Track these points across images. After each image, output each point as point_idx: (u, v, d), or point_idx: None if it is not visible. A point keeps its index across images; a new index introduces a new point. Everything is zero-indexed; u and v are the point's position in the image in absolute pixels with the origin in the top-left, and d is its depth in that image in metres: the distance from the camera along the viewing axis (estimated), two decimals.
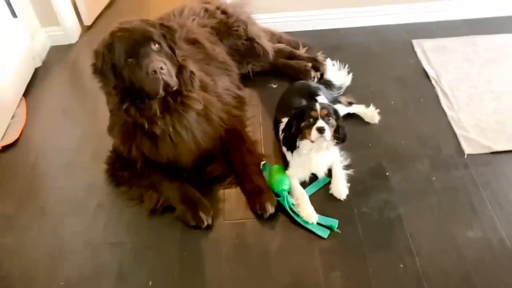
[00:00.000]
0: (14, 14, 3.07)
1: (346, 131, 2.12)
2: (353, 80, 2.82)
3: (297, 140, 2.06)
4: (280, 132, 2.19)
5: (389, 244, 1.93)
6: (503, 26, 3.26)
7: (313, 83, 2.65)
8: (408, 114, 2.59)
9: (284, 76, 2.91)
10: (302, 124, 2.01)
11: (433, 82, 2.79)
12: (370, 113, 2.53)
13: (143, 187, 2.17)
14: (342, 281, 1.82)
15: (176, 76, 1.97)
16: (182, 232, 2.04)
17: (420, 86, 2.79)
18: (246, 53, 2.86)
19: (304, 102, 2.28)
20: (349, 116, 2.53)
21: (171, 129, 2.04)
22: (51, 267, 1.97)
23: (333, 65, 2.86)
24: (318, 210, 2.04)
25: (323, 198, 2.13)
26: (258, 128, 2.56)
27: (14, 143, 2.63)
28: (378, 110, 2.54)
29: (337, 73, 2.82)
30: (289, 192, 2.11)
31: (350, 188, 2.14)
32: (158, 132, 2.02)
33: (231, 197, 2.19)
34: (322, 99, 2.35)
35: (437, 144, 2.38)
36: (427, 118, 2.55)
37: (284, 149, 2.20)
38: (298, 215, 2.03)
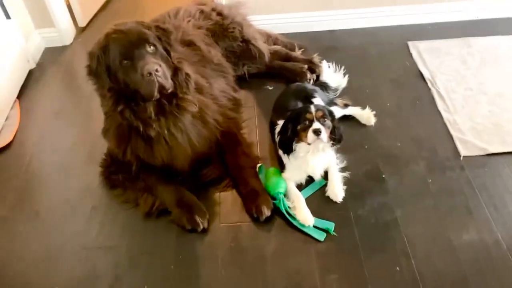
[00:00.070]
0: (7, 16, 3.04)
1: (342, 131, 2.12)
2: (349, 82, 2.82)
3: (294, 143, 2.05)
4: (276, 135, 2.18)
5: (385, 247, 1.93)
6: (497, 28, 3.28)
7: (309, 85, 2.65)
8: (404, 116, 2.59)
9: (280, 78, 2.91)
10: (298, 127, 2.01)
11: (428, 84, 2.80)
12: (366, 115, 2.53)
13: (138, 190, 2.16)
14: (338, 284, 1.81)
15: (172, 79, 1.95)
16: (178, 236, 2.03)
17: (416, 88, 2.80)
18: (242, 55, 2.85)
19: (300, 104, 2.28)
20: (345, 118, 2.52)
21: (166, 132, 2.02)
22: (45, 271, 1.95)
23: (329, 67, 2.86)
24: (315, 213, 2.04)
25: (319, 201, 2.13)
26: (254, 130, 2.55)
27: (8, 145, 2.61)
28: (374, 112, 2.54)
29: (333, 75, 2.82)
30: (285, 195, 2.11)
31: (346, 191, 2.14)
32: (153, 135, 2.01)
33: (227, 200, 2.18)
34: (318, 101, 2.34)
35: (433, 146, 2.38)
36: (423, 120, 2.55)
37: (280, 151, 2.19)
38: (294, 218, 2.02)
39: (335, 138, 2.08)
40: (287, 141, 2.07)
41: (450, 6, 3.34)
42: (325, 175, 2.20)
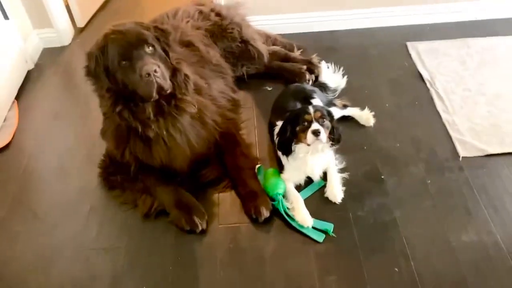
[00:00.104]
0: (6, 16, 3.03)
1: (341, 131, 2.12)
2: (348, 82, 2.82)
3: (293, 144, 2.05)
4: (275, 136, 2.18)
5: (384, 248, 1.93)
6: (495, 28, 3.28)
7: (308, 85, 2.65)
8: (403, 117, 2.59)
9: (279, 79, 2.91)
10: (297, 128, 2.01)
11: (427, 84, 2.80)
12: (365, 116, 2.53)
13: (137, 191, 2.15)
14: (337, 285, 1.81)
15: (170, 79, 1.95)
16: (176, 237, 2.02)
17: (415, 89, 2.79)
18: (241, 56, 2.85)
19: (299, 105, 2.27)
20: (344, 119, 2.52)
21: (165, 133, 2.02)
22: (43, 272, 1.94)
23: (328, 67, 2.86)
24: (313, 214, 2.03)
25: (318, 202, 2.13)
26: (253, 131, 2.55)
27: (6, 146, 2.60)
28: (373, 113, 2.54)
29: (332, 75, 2.82)
30: (284, 196, 2.10)
31: (345, 192, 2.14)
32: (152, 136, 2.01)
33: (226, 201, 2.17)
34: (317, 101, 2.34)
35: (432, 147, 2.38)
36: (421, 121, 2.55)
37: (279, 152, 2.19)
38: (293, 219, 2.02)
39: (334, 138, 2.08)
40: (286, 143, 2.07)
41: (449, 6, 3.34)
42: (324, 176, 2.20)
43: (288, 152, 2.09)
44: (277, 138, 2.14)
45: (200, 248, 1.98)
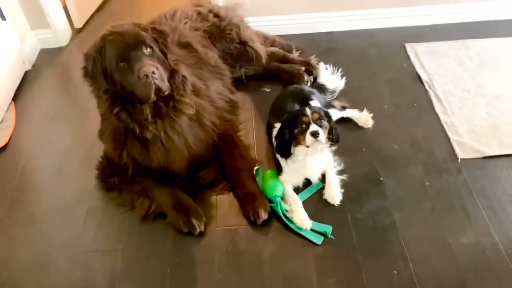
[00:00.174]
0: (3, 17, 3.02)
1: (339, 131, 2.12)
2: (346, 84, 2.81)
3: (292, 146, 2.04)
4: (273, 138, 2.17)
5: (383, 250, 1.92)
6: (494, 30, 3.28)
7: (307, 87, 2.64)
8: (401, 119, 2.58)
9: (277, 80, 2.90)
10: (295, 131, 2.00)
11: (426, 86, 2.79)
12: (364, 118, 2.52)
13: (135, 193, 2.14)
14: (336, 287, 1.80)
15: (168, 81, 1.94)
16: (174, 239, 2.01)
17: (414, 90, 2.79)
18: (239, 57, 2.84)
19: (297, 107, 2.27)
20: (343, 120, 2.52)
21: (162, 134, 2.01)
22: (40, 275, 1.93)
23: (327, 69, 2.85)
24: (312, 216, 2.03)
25: (316, 204, 2.12)
26: (251, 132, 2.54)
27: (3, 147, 2.59)
28: (371, 115, 2.53)
29: (330, 77, 2.82)
30: (282, 198, 2.10)
31: (344, 194, 2.13)
32: (150, 137, 2.00)
33: (224, 203, 2.17)
34: (315, 103, 2.33)
35: (430, 149, 2.37)
36: (420, 123, 2.55)
37: (277, 155, 2.18)
38: (291, 221, 2.01)
39: (333, 138, 2.07)
40: (285, 146, 2.06)
41: (448, 8, 3.34)
42: (323, 178, 2.19)
43: (287, 155, 2.08)
44: (275, 141, 2.13)
45: (198, 250, 1.97)
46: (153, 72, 1.81)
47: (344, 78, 2.83)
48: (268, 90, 2.87)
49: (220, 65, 2.71)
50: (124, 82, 1.87)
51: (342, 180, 2.19)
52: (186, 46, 2.53)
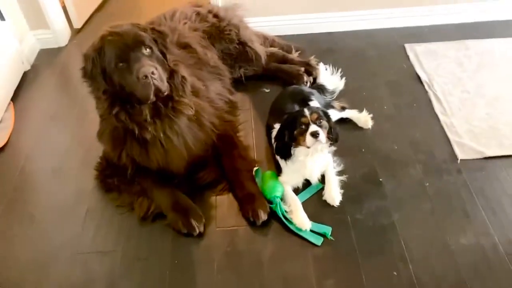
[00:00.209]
0: (2, 17, 3.02)
1: (338, 130, 2.12)
2: (346, 84, 2.81)
3: (292, 148, 2.04)
4: (273, 139, 2.17)
5: (383, 251, 1.92)
6: (494, 31, 3.28)
7: (306, 87, 2.64)
8: (401, 119, 2.58)
9: (277, 81, 2.90)
10: (295, 132, 2.00)
11: (425, 86, 2.79)
12: (363, 118, 2.52)
13: (134, 193, 2.14)
14: None
15: (168, 81, 1.94)
16: (174, 240, 2.01)
17: (413, 91, 2.79)
18: (238, 57, 2.84)
19: (297, 107, 2.27)
20: (342, 121, 2.51)
21: (162, 135, 2.01)
22: (39, 276, 1.93)
23: (326, 69, 2.85)
24: (311, 217, 2.02)
25: (316, 205, 2.12)
26: (251, 133, 2.54)
27: (2, 148, 2.58)
28: (371, 115, 2.53)
29: (330, 77, 2.82)
30: (282, 199, 2.09)
31: (343, 194, 2.13)
32: (149, 138, 2.00)
33: (223, 203, 2.16)
34: (315, 104, 2.33)
35: (430, 150, 2.37)
36: (420, 123, 2.54)
37: (277, 156, 2.18)
38: (291, 222, 2.01)
39: (332, 137, 2.07)
40: (285, 147, 2.06)
41: (448, 8, 3.34)
42: (322, 179, 2.19)
43: (287, 156, 2.07)
44: (275, 143, 2.13)
45: (197, 251, 1.97)
46: (152, 73, 1.81)
47: (343, 78, 2.83)
48: (267, 90, 2.87)
49: (220, 65, 2.71)
50: (123, 83, 1.87)
51: (341, 181, 2.18)
52: (185, 46, 2.52)
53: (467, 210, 2.06)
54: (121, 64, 1.85)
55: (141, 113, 1.93)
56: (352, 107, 2.58)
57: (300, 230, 1.98)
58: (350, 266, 1.87)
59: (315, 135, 1.94)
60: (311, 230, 1.99)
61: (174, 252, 1.97)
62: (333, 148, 2.18)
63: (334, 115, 2.36)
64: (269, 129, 2.34)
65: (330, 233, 1.97)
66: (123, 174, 2.13)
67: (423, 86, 2.80)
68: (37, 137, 2.67)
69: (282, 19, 3.36)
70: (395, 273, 1.83)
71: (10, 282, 1.92)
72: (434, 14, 3.36)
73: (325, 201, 2.12)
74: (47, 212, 2.21)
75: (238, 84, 2.86)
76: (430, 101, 2.68)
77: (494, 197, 2.12)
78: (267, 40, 3.13)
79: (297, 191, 2.16)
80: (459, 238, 1.95)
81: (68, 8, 3.62)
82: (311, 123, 1.97)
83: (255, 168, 2.23)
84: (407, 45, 3.16)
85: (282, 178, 2.16)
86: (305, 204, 2.09)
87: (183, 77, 2.03)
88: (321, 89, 2.66)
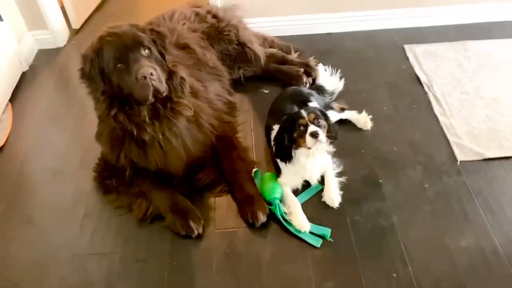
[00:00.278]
0: (0, 18, 3.00)
1: (337, 127, 2.12)
2: (345, 85, 2.80)
3: (292, 150, 2.03)
4: (272, 140, 2.16)
5: (382, 253, 1.92)
6: (493, 32, 3.27)
7: (305, 88, 2.64)
8: (400, 120, 2.57)
9: (276, 81, 2.89)
10: (295, 134, 1.99)
11: (425, 87, 2.79)
12: (363, 119, 2.51)
13: (132, 195, 2.13)
14: None
15: (166, 82, 1.93)
16: (172, 242, 2.00)
17: (413, 92, 2.79)
18: (238, 58, 2.83)
19: (296, 108, 2.26)
20: (342, 122, 2.51)
21: (160, 136, 2.00)
22: (37, 278, 1.92)
23: (325, 70, 2.85)
24: (311, 219, 2.02)
25: (315, 206, 2.11)
26: (250, 134, 2.53)
27: (0, 149, 2.57)
28: (370, 116, 2.52)
29: (329, 78, 2.81)
30: (281, 200, 2.09)
31: (342, 196, 2.12)
32: (147, 139, 1.99)
33: (222, 205, 2.15)
34: (314, 105, 2.32)
35: (429, 151, 2.37)
36: (419, 125, 2.54)
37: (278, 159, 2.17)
38: (290, 224, 2.01)
39: (331, 136, 2.06)
40: (285, 150, 2.05)
41: (447, 9, 3.34)
42: (322, 180, 2.19)
43: (288, 159, 2.07)
44: (274, 145, 2.12)
45: (196, 253, 1.96)
46: (151, 74, 1.80)
47: (343, 79, 2.82)
48: (266, 91, 2.86)
49: (219, 66, 2.70)
50: (121, 84, 1.86)
51: (341, 182, 2.18)
52: (184, 47, 2.52)
53: (467, 212, 2.06)
54: (119, 65, 1.84)
55: (139, 114, 1.92)
56: (351, 108, 2.58)
57: (299, 231, 1.98)
58: (349, 268, 1.86)
59: (314, 135, 1.93)
60: (310, 232, 1.98)
61: (173, 253, 1.96)
62: (333, 148, 2.17)
63: (334, 116, 2.36)
64: (268, 130, 2.33)
65: (329, 235, 1.96)
66: (122, 175, 2.13)
67: (423, 87, 2.80)
68: (36, 138, 2.66)
69: (281, 19, 3.35)
70: (394, 275, 1.82)
71: (11, 281, 1.92)
72: (434, 15, 3.36)
73: (324, 202, 2.11)
74: (46, 213, 2.20)
75: (237, 85, 2.85)
76: (429, 102, 2.68)
77: (493, 198, 2.11)
78: (266, 41, 3.12)
79: (296, 192, 2.16)
80: (458, 239, 1.94)
81: (67, 9, 3.61)
82: (309, 123, 1.97)
83: (254, 170, 2.22)
84: (406, 46, 3.16)
85: (281, 179, 2.15)
86: (304, 206, 2.08)
87: (182, 78, 2.03)
88: (321, 90, 2.66)
